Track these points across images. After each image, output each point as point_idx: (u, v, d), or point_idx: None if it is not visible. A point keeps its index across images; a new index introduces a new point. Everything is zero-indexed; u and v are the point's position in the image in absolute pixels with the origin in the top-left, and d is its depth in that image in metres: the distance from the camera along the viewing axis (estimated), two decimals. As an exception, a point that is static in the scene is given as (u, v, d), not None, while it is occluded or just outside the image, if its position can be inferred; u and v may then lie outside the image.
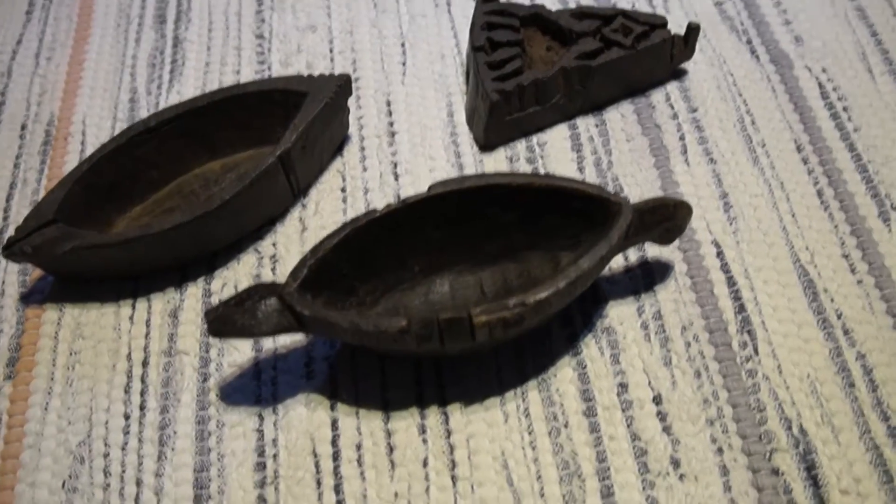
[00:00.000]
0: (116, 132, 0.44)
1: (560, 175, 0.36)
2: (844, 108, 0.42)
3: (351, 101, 0.44)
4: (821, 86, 0.43)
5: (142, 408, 0.36)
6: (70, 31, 0.50)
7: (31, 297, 0.39)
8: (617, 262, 0.38)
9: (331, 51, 0.46)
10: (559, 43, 0.42)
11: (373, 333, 0.31)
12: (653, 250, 0.38)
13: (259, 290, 0.33)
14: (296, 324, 0.32)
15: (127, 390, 0.36)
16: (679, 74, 0.43)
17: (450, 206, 0.34)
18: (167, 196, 0.41)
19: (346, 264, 0.34)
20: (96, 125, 0.45)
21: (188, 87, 0.46)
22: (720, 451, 0.33)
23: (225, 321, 0.32)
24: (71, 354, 0.37)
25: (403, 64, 0.46)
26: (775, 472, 0.32)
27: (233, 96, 0.40)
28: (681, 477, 0.32)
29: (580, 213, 0.34)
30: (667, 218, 0.33)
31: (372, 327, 0.31)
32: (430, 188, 0.34)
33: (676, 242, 0.38)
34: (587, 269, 0.31)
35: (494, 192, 0.34)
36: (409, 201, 0.34)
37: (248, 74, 0.46)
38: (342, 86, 0.40)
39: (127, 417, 0.36)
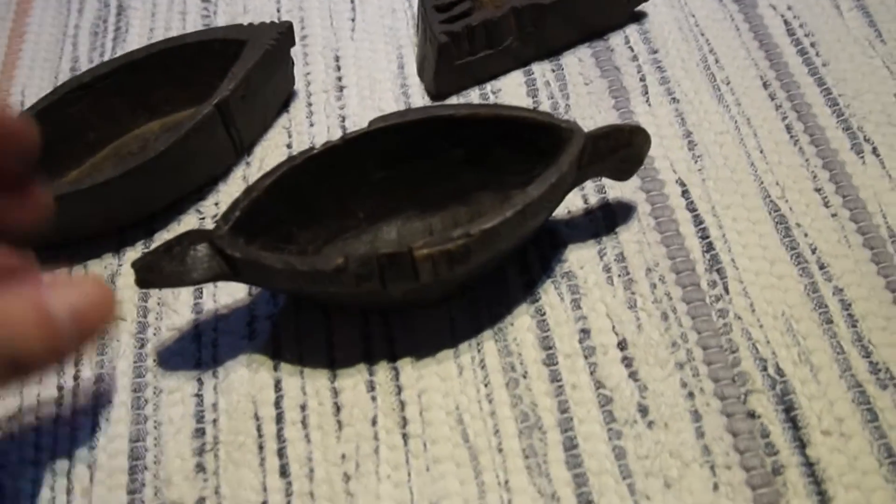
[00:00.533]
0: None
1: (507, 104, 0.34)
2: (812, 44, 0.40)
3: (298, 58, 0.42)
4: (786, 23, 0.41)
5: (76, 378, 0.34)
6: (11, 5, 0.48)
7: (-40, 268, 0.37)
8: (576, 206, 0.35)
9: (278, 10, 0.44)
10: (512, -14, 0.40)
11: (308, 273, 0.28)
12: (613, 191, 0.36)
13: (190, 236, 0.30)
14: (228, 269, 0.30)
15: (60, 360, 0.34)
16: (638, 17, 0.42)
17: (392, 142, 0.32)
18: (104, 160, 0.39)
19: (282, 207, 0.32)
20: (36, 95, 0.43)
21: (131, 54, 0.44)
22: (691, 395, 0.30)
23: (151, 269, 0.30)
24: (2, 328, 0.35)
25: (353, 20, 0.44)
26: (751, 415, 0.30)
27: (171, 48, 0.38)
28: (649, 424, 0.30)
29: (531, 144, 0.32)
30: (622, 144, 0.31)
31: (307, 267, 0.28)
32: (370, 123, 0.32)
33: (638, 182, 0.36)
34: (536, 196, 0.29)
35: (438, 124, 0.32)
36: (349, 137, 0.32)
37: (192, 38, 0.44)
38: (284, 33, 0.38)
39: (60, 389, 0.33)
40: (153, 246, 0.37)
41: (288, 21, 0.38)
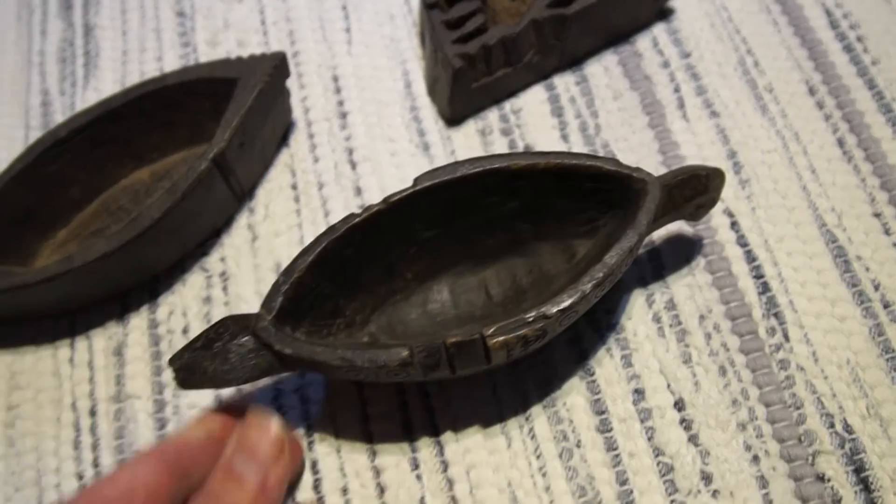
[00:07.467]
0: (31, 142, 0.38)
1: (567, 151, 0.31)
2: (859, 38, 0.36)
3: (292, 81, 0.38)
4: (829, 13, 0.37)
5: (95, 465, 0.31)
6: (-37, 26, 0.43)
7: (-47, 349, 0.34)
8: (617, 247, 0.33)
9: (263, 23, 0.40)
10: (526, -10, 0.36)
11: (371, 370, 0.26)
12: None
13: (228, 327, 0.27)
14: (277, 364, 0.27)
15: (76, 446, 0.32)
16: (666, 14, 0.38)
17: (441, 201, 0.29)
18: (93, 215, 0.35)
19: (326, 283, 0.29)
20: (7, 137, 0.39)
21: (106, 82, 0.40)
22: (756, 459, 0.29)
23: (193, 369, 0.27)
24: (9, 409, 0.33)
25: (347, 30, 0.39)
26: (820, 478, 0.28)
27: (150, 92, 0.34)
28: (714, 493, 0.28)
29: (595, 193, 0.29)
30: (699, 192, 0.28)
31: (367, 363, 0.26)
32: (415, 181, 0.28)
33: (683, 216, 0.33)
34: (614, 265, 0.26)
35: (492, 178, 0.29)
36: (393, 199, 0.28)
37: (171, 60, 0.40)
38: (277, 66, 0.34)
39: (80, 478, 0.31)
40: (159, 311, 0.34)
41: (281, 52, 0.34)
